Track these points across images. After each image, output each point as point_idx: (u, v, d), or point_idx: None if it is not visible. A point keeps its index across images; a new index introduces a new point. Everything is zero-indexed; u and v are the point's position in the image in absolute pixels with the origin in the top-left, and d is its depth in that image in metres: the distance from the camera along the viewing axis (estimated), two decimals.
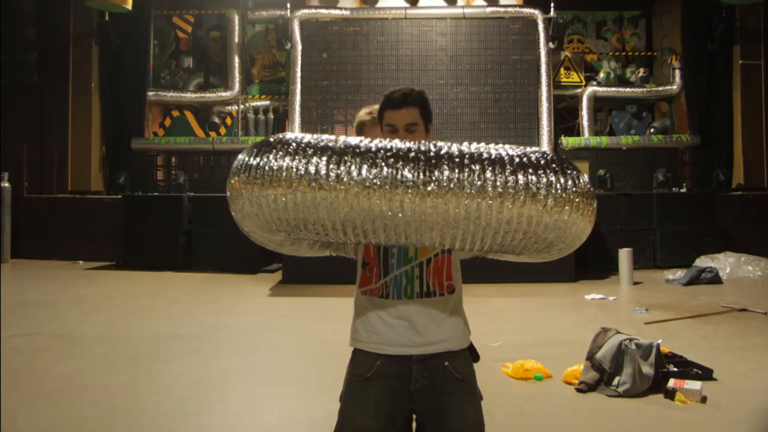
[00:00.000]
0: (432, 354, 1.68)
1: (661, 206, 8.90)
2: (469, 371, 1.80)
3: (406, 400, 1.68)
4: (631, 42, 12.41)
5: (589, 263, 8.66)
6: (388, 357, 1.67)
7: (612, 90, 11.85)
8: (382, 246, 1.67)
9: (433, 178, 1.36)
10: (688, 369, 3.94)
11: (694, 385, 3.57)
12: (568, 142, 11.16)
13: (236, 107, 11.96)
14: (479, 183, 1.36)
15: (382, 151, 1.40)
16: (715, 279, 7.70)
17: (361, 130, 2.27)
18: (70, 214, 10.24)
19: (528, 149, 1.47)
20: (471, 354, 1.84)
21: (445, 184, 1.35)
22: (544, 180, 1.40)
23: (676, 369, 3.88)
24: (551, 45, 11.20)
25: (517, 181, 1.38)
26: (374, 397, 1.67)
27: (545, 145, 10.91)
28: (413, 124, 1.74)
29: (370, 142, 1.43)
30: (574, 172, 1.48)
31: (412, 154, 1.40)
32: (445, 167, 1.38)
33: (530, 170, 1.40)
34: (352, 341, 1.75)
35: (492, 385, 3.92)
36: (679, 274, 7.90)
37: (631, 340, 3.83)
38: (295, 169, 1.38)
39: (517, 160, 1.41)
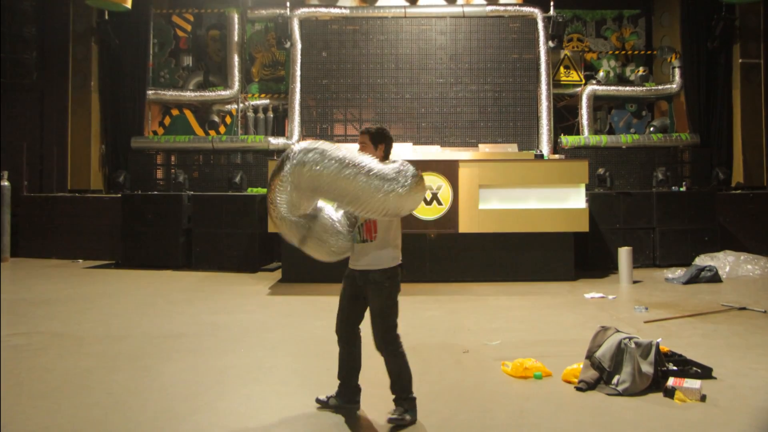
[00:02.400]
0: (363, 270, 3.31)
1: (660, 205, 8.90)
2: (381, 279, 3.26)
3: (357, 291, 3.35)
4: (631, 41, 12.40)
5: (589, 262, 8.67)
6: (351, 270, 3.37)
7: (612, 89, 11.85)
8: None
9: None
10: (688, 368, 3.94)
11: (694, 383, 3.58)
12: (567, 140, 11.16)
13: (236, 106, 11.95)
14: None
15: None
16: (715, 278, 7.70)
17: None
18: (70, 212, 10.24)
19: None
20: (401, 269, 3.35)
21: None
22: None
23: (675, 368, 3.89)
24: (551, 44, 11.20)
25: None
26: (345, 286, 3.40)
27: (545, 144, 10.92)
28: (363, 144, 3.39)
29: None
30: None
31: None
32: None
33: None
34: None
35: (492, 384, 3.92)
36: (679, 272, 7.90)
37: (630, 338, 3.83)
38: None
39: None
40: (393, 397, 3.28)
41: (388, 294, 3.25)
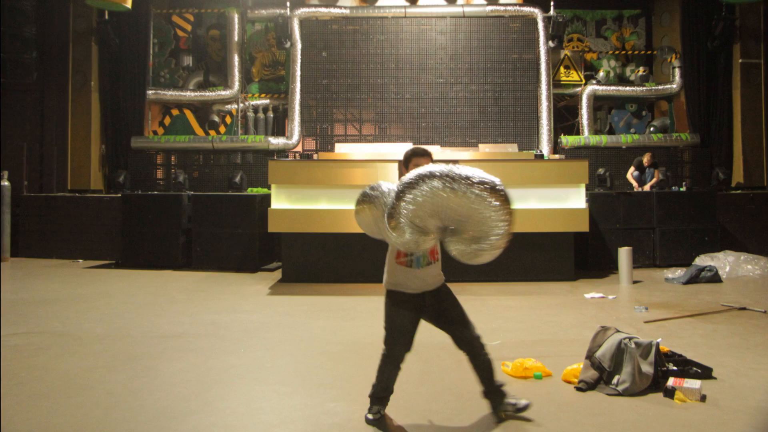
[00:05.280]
0: (434, 289, 3.22)
1: (660, 205, 8.90)
2: (448, 288, 3.27)
3: (420, 313, 3.22)
4: (631, 41, 12.41)
5: (589, 262, 8.67)
6: (412, 295, 3.19)
7: (612, 89, 11.86)
8: None
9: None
10: (688, 368, 3.94)
11: (694, 383, 3.57)
12: (567, 140, 11.16)
13: (236, 106, 11.96)
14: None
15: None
16: (715, 278, 7.70)
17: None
18: (70, 212, 10.25)
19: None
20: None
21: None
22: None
23: (675, 368, 3.89)
24: (551, 44, 11.20)
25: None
26: (407, 312, 3.20)
27: (545, 144, 10.92)
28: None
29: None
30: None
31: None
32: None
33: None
34: (389, 284, 3.22)
35: None
36: (679, 272, 7.90)
37: (630, 338, 3.83)
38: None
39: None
40: (488, 390, 3.30)
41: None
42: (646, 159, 10.05)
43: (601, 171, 9.85)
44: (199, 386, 3.84)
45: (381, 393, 3.27)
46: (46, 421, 3.31)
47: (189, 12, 12.49)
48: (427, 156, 3.28)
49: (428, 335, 5.20)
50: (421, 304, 3.20)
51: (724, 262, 8.17)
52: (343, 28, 11.54)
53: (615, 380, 3.70)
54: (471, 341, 3.25)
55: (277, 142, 11.37)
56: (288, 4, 11.31)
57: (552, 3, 11.15)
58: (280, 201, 7.73)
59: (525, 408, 3.28)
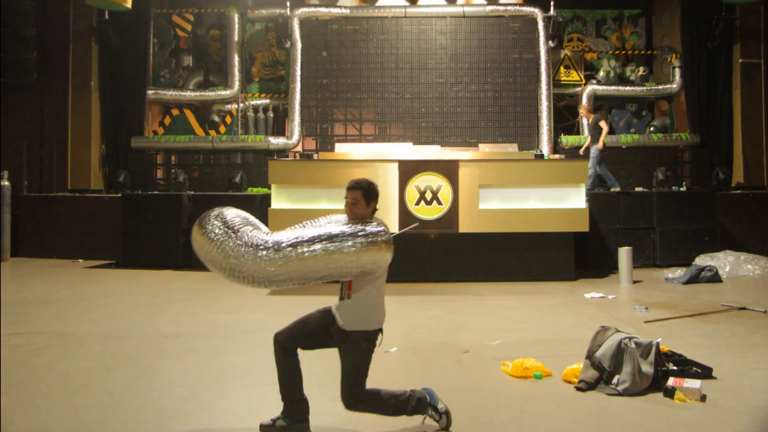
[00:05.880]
0: (343, 326, 3.04)
1: (660, 205, 8.90)
2: (359, 340, 3.02)
3: (329, 334, 3.10)
4: (631, 40, 12.41)
5: (589, 262, 8.66)
6: (333, 314, 3.11)
7: (612, 88, 11.85)
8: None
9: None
10: (688, 367, 3.94)
11: (694, 383, 3.57)
12: (567, 140, 11.16)
13: (236, 106, 11.95)
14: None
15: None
16: (715, 278, 7.70)
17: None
18: (70, 212, 10.24)
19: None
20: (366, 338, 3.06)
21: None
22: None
23: (675, 367, 3.89)
24: (551, 43, 11.19)
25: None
26: (322, 316, 3.16)
27: (545, 144, 10.92)
28: (356, 200, 3.05)
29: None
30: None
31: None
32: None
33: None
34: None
35: (492, 383, 3.92)
36: (679, 272, 7.90)
37: (630, 338, 3.83)
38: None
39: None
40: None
41: (363, 355, 3.04)
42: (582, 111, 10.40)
43: None
44: (199, 386, 3.84)
45: (282, 396, 3.14)
46: (46, 421, 3.31)
47: (189, 12, 12.49)
48: (352, 189, 3.07)
49: (428, 335, 5.21)
50: (329, 321, 3.10)
51: (724, 262, 8.17)
52: (343, 28, 11.53)
53: (615, 380, 3.70)
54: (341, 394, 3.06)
55: (277, 142, 11.37)
56: (288, 3, 11.30)
57: (552, 3, 11.14)
58: (280, 201, 7.73)
59: None
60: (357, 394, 3.02)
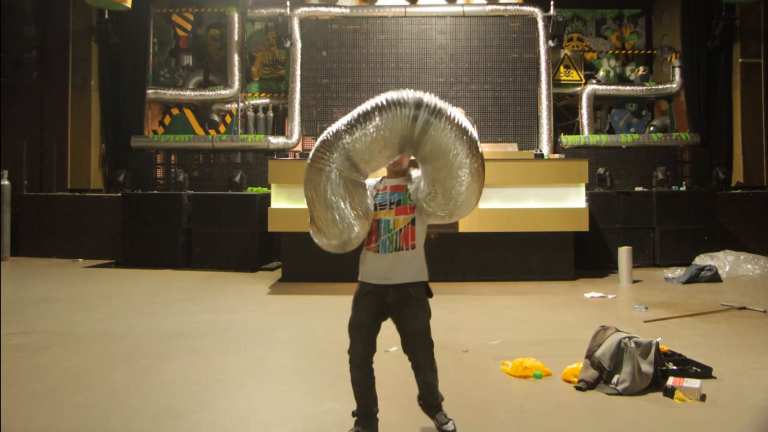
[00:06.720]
0: (399, 284, 2.84)
1: (660, 204, 8.90)
2: (422, 295, 2.88)
3: (384, 309, 2.87)
4: (631, 40, 12.41)
5: (589, 261, 8.67)
6: (375, 285, 2.86)
7: (612, 88, 11.85)
8: (380, 221, 2.88)
9: None
10: (688, 367, 3.95)
11: (693, 383, 3.58)
12: (567, 140, 11.16)
13: (236, 105, 11.95)
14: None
15: None
16: (715, 277, 7.70)
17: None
18: (70, 212, 10.24)
19: None
20: (426, 290, 2.92)
21: None
22: None
23: (675, 367, 3.89)
24: (551, 43, 11.20)
25: None
26: (367, 304, 2.87)
27: (545, 144, 10.92)
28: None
29: None
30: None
31: None
32: None
33: None
34: (359, 275, 2.94)
35: (491, 383, 3.92)
36: (679, 272, 7.90)
37: (630, 338, 3.83)
38: None
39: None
40: (422, 406, 3.04)
41: (430, 311, 2.89)
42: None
43: (601, 170, 9.84)
44: (199, 386, 3.84)
45: (359, 410, 2.94)
46: (46, 420, 3.31)
47: (189, 11, 12.49)
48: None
49: None
50: (382, 299, 2.83)
51: (723, 261, 8.17)
52: (343, 28, 11.53)
53: (615, 380, 3.71)
54: (418, 366, 2.94)
55: (277, 141, 11.37)
56: (288, 3, 11.30)
57: (552, 2, 11.14)
58: (280, 200, 7.73)
59: None
60: (433, 357, 2.93)
